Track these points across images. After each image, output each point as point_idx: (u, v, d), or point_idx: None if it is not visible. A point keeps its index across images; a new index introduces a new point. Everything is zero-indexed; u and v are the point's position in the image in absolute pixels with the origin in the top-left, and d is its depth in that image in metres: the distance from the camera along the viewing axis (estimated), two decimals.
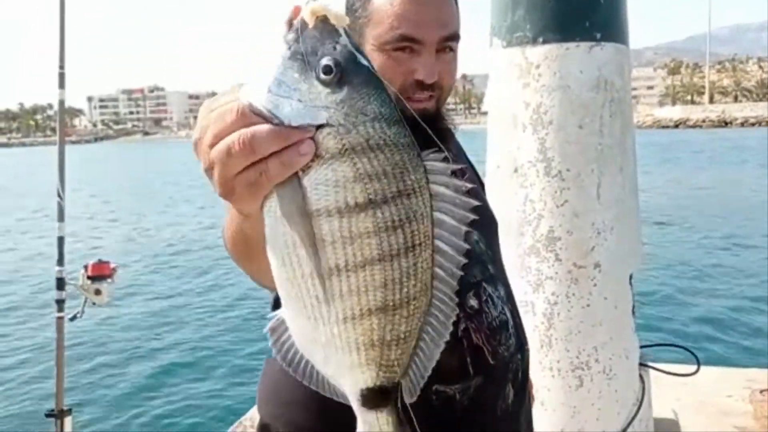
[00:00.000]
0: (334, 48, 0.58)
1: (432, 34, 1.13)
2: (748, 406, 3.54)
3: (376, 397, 0.68)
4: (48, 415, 2.49)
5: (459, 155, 1.44)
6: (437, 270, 0.64)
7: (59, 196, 2.48)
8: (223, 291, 10.66)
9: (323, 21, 0.58)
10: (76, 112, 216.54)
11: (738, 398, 3.65)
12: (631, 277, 2.49)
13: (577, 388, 2.41)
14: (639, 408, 2.47)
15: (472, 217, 0.64)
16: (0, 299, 10.52)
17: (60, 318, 2.48)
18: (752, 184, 21.93)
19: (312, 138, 0.57)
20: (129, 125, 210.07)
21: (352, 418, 1.18)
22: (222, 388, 6.54)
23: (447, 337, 0.68)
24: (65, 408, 2.49)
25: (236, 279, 11.20)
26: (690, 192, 21.20)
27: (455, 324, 1.10)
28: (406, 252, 0.61)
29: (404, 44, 1.13)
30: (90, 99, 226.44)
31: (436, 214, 0.62)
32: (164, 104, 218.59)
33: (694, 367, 2.64)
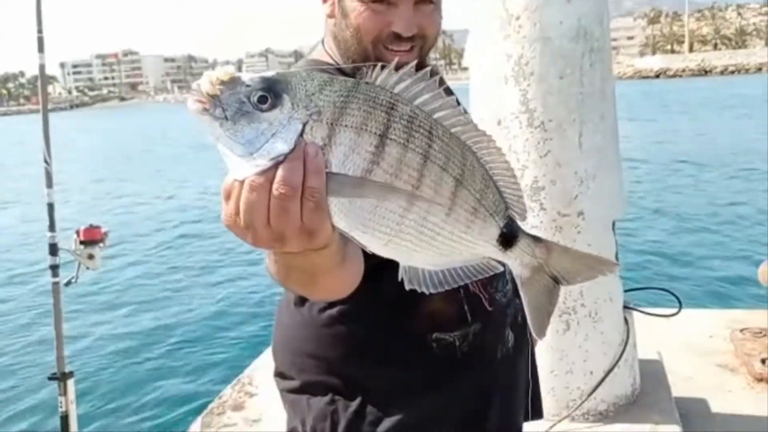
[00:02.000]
0: (248, 86, 0.67)
1: None
2: (729, 345, 3.65)
3: (508, 238, 0.83)
4: (51, 378, 2.55)
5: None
6: (453, 128, 0.75)
7: (46, 162, 2.48)
8: (215, 251, 10.78)
9: (222, 83, 0.67)
10: (50, 79, 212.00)
11: (719, 338, 3.77)
12: (614, 224, 2.56)
13: (564, 332, 2.49)
14: (624, 349, 2.56)
15: (433, 79, 0.74)
16: None
17: (55, 283, 2.50)
18: (735, 133, 22.17)
19: (306, 143, 0.67)
20: (105, 91, 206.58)
21: (350, 367, 1.24)
22: (220, 347, 6.65)
23: (510, 165, 0.82)
24: (67, 371, 2.55)
25: (226, 237, 11.40)
26: (673, 140, 21.38)
27: None
28: (430, 140, 0.73)
29: None
30: (63, 65, 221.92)
31: (416, 100, 0.73)
32: (139, 68, 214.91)
33: (676, 309, 2.73)
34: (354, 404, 1.23)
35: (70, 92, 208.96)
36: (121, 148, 34.85)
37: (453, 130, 0.75)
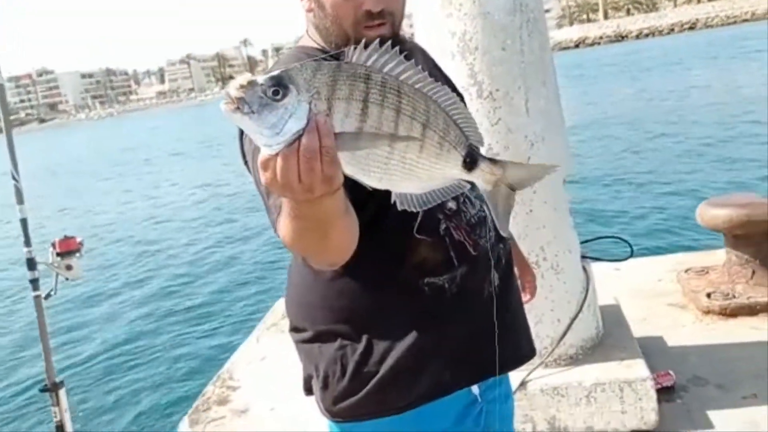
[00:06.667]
0: (263, 84, 0.86)
1: None
2: (677, 285, 3.91)
3: (470, 162, 1.04)
4: (42, 390, 2.58)
5: (433, 70, 1.57)
6: (417, 85, 0.97)
7: (14, 178, 2.51)
8: (185, 252, 11.16)
9: (242, 87, 0.86)
10: None
11: (667, 280, 4.03)
12: (564, 181, 2.75)
13: None
14: (586, 296, 2.76)
15: (395, 50, 0.93)
16: None
17: (37, 297, 2.53)
18: (661, 90, 23.14)
19: (315, 115, 0.88)
20: (22, 114, 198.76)
21: (354, 314, 1.40)
22: (203, 346, 6.82)
23: (466, 107, 1.03)
24: (57, 381, 2.58)
25: (189, 234, 12.01)
26: (604, 105, 22.16)
27: (437, 223, 1.35)
28: (399, 97, 0.94)
29: None
30: None
31: (385, 68, 0.94)
32: (57, 87, 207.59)
33: (627, 255, 2.95)
34: (360, 347, 1.39)
35: None
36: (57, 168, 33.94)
37: (417, 86, 0.96)
